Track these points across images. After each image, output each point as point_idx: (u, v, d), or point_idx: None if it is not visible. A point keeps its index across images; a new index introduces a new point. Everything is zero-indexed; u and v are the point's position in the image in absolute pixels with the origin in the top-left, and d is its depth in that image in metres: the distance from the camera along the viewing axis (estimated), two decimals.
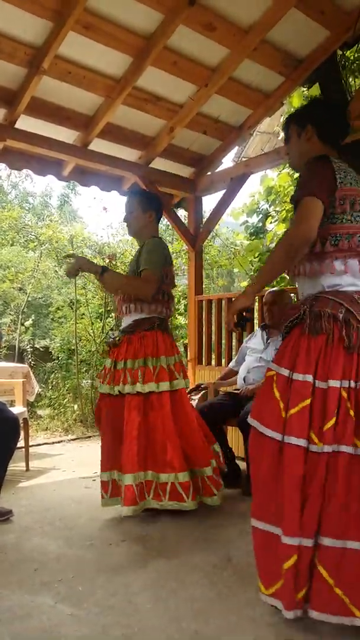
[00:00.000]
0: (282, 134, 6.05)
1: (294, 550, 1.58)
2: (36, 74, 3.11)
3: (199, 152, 4.35)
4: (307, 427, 1.64)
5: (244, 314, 1.85)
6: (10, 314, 8.86)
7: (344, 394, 1.64)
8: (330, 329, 1.68)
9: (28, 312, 9.03)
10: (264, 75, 3.60)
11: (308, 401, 1.65)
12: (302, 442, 1.63)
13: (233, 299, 4.27)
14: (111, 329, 6.57)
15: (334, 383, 1.65)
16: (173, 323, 7.57)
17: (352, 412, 1.63)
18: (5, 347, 7.88)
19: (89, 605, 1.82)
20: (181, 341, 7.36)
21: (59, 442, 5.06)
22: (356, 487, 1.58)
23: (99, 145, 3.87)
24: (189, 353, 4.75)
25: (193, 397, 3.56)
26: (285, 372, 1.73)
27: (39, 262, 8.90)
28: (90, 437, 5.29)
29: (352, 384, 1.65)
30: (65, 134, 3.73)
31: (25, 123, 3.50)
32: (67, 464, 4.00)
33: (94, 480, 3.37)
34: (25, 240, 9.93)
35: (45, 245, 8.78)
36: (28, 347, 8.51)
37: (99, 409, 2.85)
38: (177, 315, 7.73)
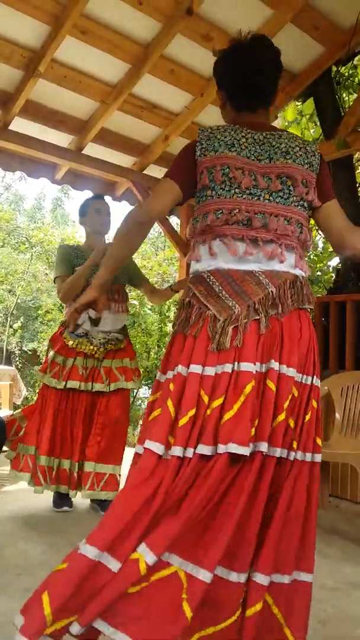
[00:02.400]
0: None
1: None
2: (32, 77, 3.11)
3: None
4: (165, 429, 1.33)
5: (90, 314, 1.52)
6: None
7: (170, 386, 1.37)
8: (182, 317, 1.47)
9: (17, 314, 8.98)
10: None
11: (169, 402, 1.35)
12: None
13: None
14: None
15: (168, 375, 1.42)
16: (164, 330, 7.58)
17: (205, 399, 1.32)
18: None
19: None
20: None
21: None
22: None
23: (93, 150, 3.87)
24: None
25: None
26: (158, 375, 1.50)
27: (29, 265, 8.87)
28: None
29: (183, 370, 1.37)
30: (60, 138, 3.74)
31: (20, 125, 3.50)
32: None
33: None
34: (16, 242, 9.89)
35: (36, 248, 8.77)
36: (16, 349, 8.46)
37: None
38: (167, 322, 7.73)
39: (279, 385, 1.35)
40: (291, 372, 1.37)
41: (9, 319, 8.50)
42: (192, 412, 1.31)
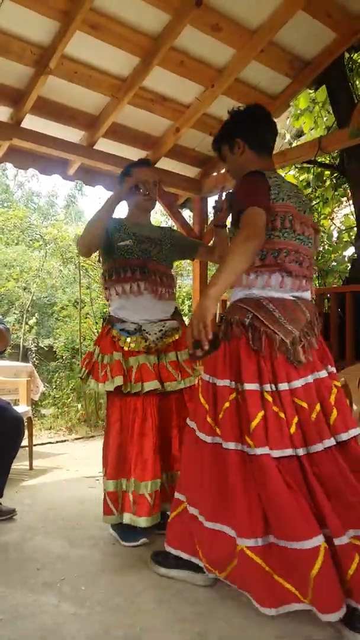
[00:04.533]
0: (288, 136, 6.06)
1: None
2: (43, 74, 3.11)
3: (204, 153, 4.35)
4: (235, 429, 1.72)
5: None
6: (14, 313, 8.89)
7: (268, 398, 1.70)
8: (239, 335, 1.78)
9: (32, 311, 9.05)
10: (270, 76, 3.59)
11: (227, 404, 1.74)
12: (231, 445, 1.71)
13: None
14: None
15: (249, 386, 1.71)
16: None
17: (282, 415, 1.69)
18: (9, 345, 7.91)
19: (92, 605, 1.82)
20: None
21: (62, 441, 5.07)
22: (301, 486, 1.66)
23: (104, 145, 3.87)
24: None
25: None
26: (206, 377, 1.86)
27: (43, 262, 8.92)
28: (93, 436, 5.30)
29: (273, 387, 1.72)
30: (71, 134, 3.74)
31: (32, 122, 3.51)
32: (70, 463, 4.01)
33: (98, 479, 3.37)
34: (31, 240, 9.96)
35: (50, 245, 8.80)
36: (32, 346, 8.53)
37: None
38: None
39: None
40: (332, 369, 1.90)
41: (24, 316, 8.57)
42: (295, 419, 1.71)
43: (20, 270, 8.81)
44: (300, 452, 1.68)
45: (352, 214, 4.73)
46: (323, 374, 1.84)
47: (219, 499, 1.75)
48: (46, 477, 3.57)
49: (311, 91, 4.61)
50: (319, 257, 5.44)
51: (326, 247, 5.69)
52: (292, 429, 1.68)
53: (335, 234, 5.87)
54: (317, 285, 5.35)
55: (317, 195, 5.57)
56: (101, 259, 2.54)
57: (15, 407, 3.09)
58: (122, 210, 29.34)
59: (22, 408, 3.58)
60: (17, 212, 9.82)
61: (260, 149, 1.97)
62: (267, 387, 1.71)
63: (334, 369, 1.90)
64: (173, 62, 3.33)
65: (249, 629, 1.67)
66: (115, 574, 2.06)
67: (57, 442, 5.02)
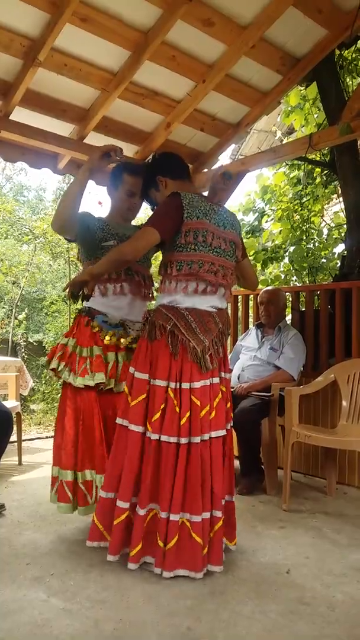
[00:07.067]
0: (279, 133, 6.07)
1: (124, 511, 2.02)
2: (32, 66, 3.08)
3: (195, 149, 4.34)
4: (143, 416, 2.04)
5: (85, 290, 2.18)
6: (3, 307, 8.84)
7: (171, 394, 2.01)
8: (160, 337, 2.06)
9: (22, 305, 9.00)
10: (261, 73, 3.58)
11: (143, 396, 2.05)
12: (139, 429, 2.04)
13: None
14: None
15: (158, 382, 2.03)
16: None
17: (177, 409, 2.01)
18: None
19: (81, 600, 1.82)
20: None
21: (52, 436, 5.05)
22: (181, 469, 1.99)
23: (95, 139, 3.84)
24: None
25: None
26: (132, 370, 2.11)
27: (33, 256, 8.86)
28: None
29: (177, 385, 2.03)
30: (61, 127, 3.71)
31: (21, 115, 3.47)
32: None
33: None
34: (20, 234, 9.88)
35: (40, 239, 8.74)
36: (21, 341, 8.49)
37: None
38: None
39: (227, 387, 2.26)
40: (228, 375, 2.28)
41: (13, 310, 8.52)
42: (188, 414, 2.01)
43: (9, 264, 8.74)
44: (183, 440, 1.99)
45: (342, 211, 4.74)
46: (216, 380, 2.15)
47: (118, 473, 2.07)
48: (35, 473, 3.56)
49: (302, 88, 4.61)
50: (309, 254, 5.45)
51: (316, 244, 5.71)
52: (183, 421, 2.00)
53: (325, 231, 5.89)
54: (307, 282, 5.36)
55: (307, 192, 5.58)
56: (81, 257, 2.54)
57: (4, 402, 3.07)
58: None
59: (11, 403, 3.56)
60: (6, 206, 9.74)
61: (179, 176, 2.27)
62: (172, 384, 2.02)
63: (227, 375, 2.24)
64: (164, 57, 3.30)
65: (238, 623, 1.69)
66: (105, 568, 2.06)
67: (46, 437, 5.01)
